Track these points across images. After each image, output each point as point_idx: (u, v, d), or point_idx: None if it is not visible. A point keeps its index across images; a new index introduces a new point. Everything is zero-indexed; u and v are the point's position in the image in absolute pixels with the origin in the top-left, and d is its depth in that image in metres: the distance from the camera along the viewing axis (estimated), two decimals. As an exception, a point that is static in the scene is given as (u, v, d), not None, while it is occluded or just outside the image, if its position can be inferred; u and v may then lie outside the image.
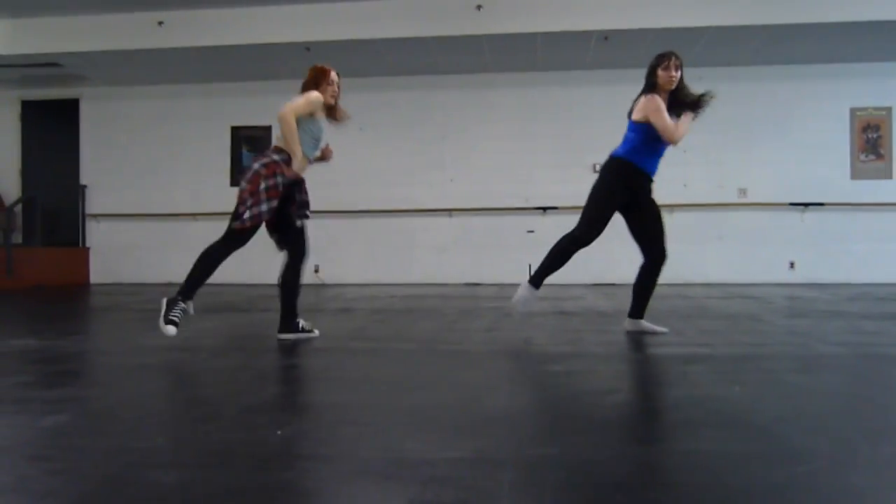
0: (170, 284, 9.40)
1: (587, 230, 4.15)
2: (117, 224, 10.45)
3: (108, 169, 10.51)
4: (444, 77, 9.81)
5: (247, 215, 3.79)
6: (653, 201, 4.22)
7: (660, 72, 4.05)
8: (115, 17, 8.58)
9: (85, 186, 10.56)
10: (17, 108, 10.83)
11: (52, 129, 10.79)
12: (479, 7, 8.16)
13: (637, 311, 4.34)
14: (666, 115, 4.00)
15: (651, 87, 4.08)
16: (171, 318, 3.81)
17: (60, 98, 10.60)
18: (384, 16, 8.37)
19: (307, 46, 8.68)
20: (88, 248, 10.60)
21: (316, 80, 4.10)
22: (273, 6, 8.43)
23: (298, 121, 3.92)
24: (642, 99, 4.07)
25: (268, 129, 9.94)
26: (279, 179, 3.85)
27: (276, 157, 3.90)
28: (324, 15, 8.45)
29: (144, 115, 10.47)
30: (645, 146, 4.09)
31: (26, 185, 10.63)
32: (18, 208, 10.22)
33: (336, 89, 4.16)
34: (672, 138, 4.00)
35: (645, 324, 4.32)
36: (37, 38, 8.80)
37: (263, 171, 3.84)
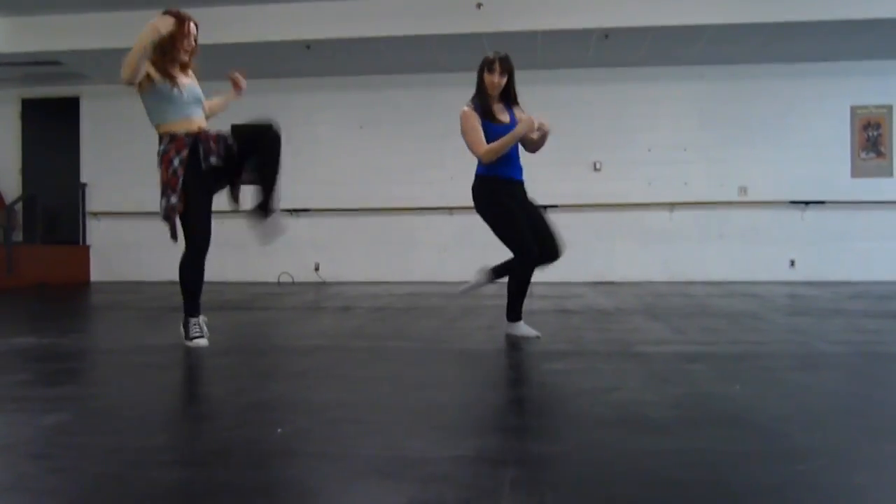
0: (170, 282, 9.41)
1: (522, 251, 3.93)
2: (118, 222, 10.46)
3: (108, 167, 10.51)
4: (445, 75, 9.79)
5: (161, 211, 3.78)
6: (531, 202, 4.09)
7: (486, 76, 3.97)
8: (116, 15, 8.56)
9: (85, 184, 10.56)
10: (18, 107, 10.83)
11: (52, 128, 10.79)
12: (479, 5, 8.15)
13: (515, 313, 4.10)
14: (476, 131, 3.91)
15: (477, 93, 4.01)
16: (193, 336, 3.80)
17: (61, 96, 10.61)
18: (384, 14, 8.36)
19: (307, 44, 8.67)
20: (89, 246, 10.61)
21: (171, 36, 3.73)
22: (273, 4, 8.42)
23: (153, 89, 3.72)
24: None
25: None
26: (175, 164, 3.72)
27: (160, 148, 3.79)
28: (324, 13, 8.44)
29: (144, 114, 10.44)
30: None
31: (27, 183, 10.64)
32: (19, 206, 10.22)
33: (193, 42, 3.88)
34: (476, 153, 3.93)
35: (523, 327, 4.10)
36: (37, 37, 8.79)
37: (160, 168, 3.78)
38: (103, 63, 9.42)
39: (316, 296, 7.59)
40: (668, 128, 9.70)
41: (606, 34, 8.40)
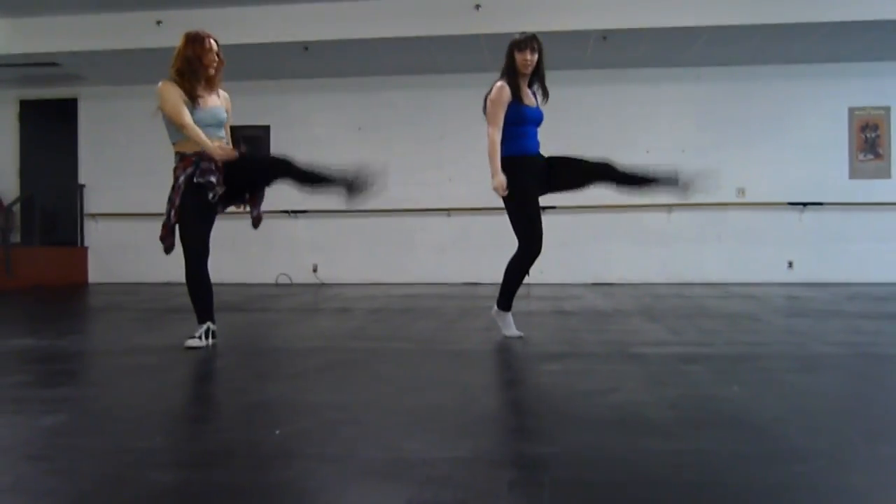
0: (168, 284, 9.42)
1: (529, 241, 4.02)
2: (116, 223, 10.44)
3: (106, 168, 10.50)
4: (443, 76, 9.80)
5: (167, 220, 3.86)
6: (553, 158, 4.13)
7: (517, 55, 3.99)
8: (114, 16, 8.56)
9: (83, 186, 10.54)
10: (16, 108, 10.80)
11: (50, 129, 10.77)
12: (477, 6, 8.15)
13: (507, 301, 4.17)
14: (500, 108, 3.97)
15: (505, 74, 4.04)
16: (190, 336, 3.84)
17: (59, 97, 10.58)
18: (382, 15, 8.35)
19: (305, 46, 8.67)
20: (87, 248, 10.59)
21: (188, 52, 3.80)
22: (271, 6, 8.41)
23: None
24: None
25: (266, 128, 9.93)
26: (179, 181, 3.79)
27: (174, 165, 3.87)
28: (322, 14, 8.44)
29: (143, 115, 10.30)
30: (510, 133, 4.02)
31: (25, 184, 10.61)
32: (17, 208, 10.20)
33: (215, 57, 3.85)
34: (488, 128, 4.00)
35: (511, 324, 4.16)
36: (35, 38, 8.77)
37: (174, 184, 3.84)
38: (101, 64, 9.42)
39: (314, 297, 7.59)
40: (667, 129, 9.71)
41: (604, 35, 8.40)
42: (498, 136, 4.00)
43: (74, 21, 8.66)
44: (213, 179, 3.73)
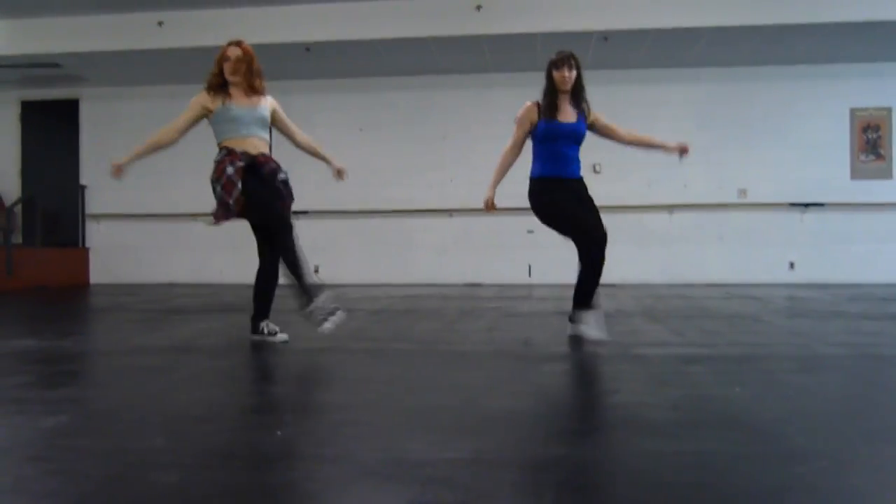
0: (170, 285, 9.42)
1: (582, 231, 4.03)
2: (117, 224, 10.44)
3: (107, 169, 10.40)
4: (444, 77, 9.80)
5: (216, 212, 3.95)
6: (584, 197, 4.12)
7: (555, 73, 4.06)
8: (115, 17, 8.57)
9: (84, 187, 10.55)
10: (17, 109, 10.82)
11: (51, 130, 10.79)
12: (478, 7, 8.16)
13: (584, 302, 4.21)
14: (519, 127, 4.13)
15: (544, 93, 4.12)
16: (265, 331, 4.04)
17: (60, 98, 10.60)
18: (384, 16, 8.36)
19: (307, 46, 8.67)
20: (88, 249, 10.60)
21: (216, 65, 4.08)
22: (272, 6, 8.42)
23: (214, 115, 4.01)
24: None
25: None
26: (229, 172, 3.89)
27: (216, 158, 4.02)
28: (323, 15, 8.45)
29: (144, 116, 10.43)
30: (542, 151, 4.09)
31: (26, 185, 10.63)
32: (18, 209, 10.22)
33: (233, 63, 4.01)
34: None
35: (590, 323, 4.18)
36: (36, 39, 8.79)
37: (214, 176, 3.96)
38: (103, 65, 9.43)
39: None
40: (668, 130, 9.64)
41: (606, 36, 8.40)
42: (510, 154, 4.15)
43: (76, 22, 8.68)
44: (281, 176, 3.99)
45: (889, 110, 9.49)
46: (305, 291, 3.96)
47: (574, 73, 4.06)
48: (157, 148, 4.14)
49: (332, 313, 3.96)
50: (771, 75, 9.52)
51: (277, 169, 4.04)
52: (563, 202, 4.03)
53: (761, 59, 9.25)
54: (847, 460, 1.89)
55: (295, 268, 3.96)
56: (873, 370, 3.31)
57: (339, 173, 4.40)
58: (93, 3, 8.36)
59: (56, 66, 9.38)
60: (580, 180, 4.14)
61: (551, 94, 4.08)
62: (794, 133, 9.54)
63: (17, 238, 10.20)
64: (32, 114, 10.82)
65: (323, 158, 4.39)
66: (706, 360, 3.43)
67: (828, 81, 9.47)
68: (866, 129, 9.51)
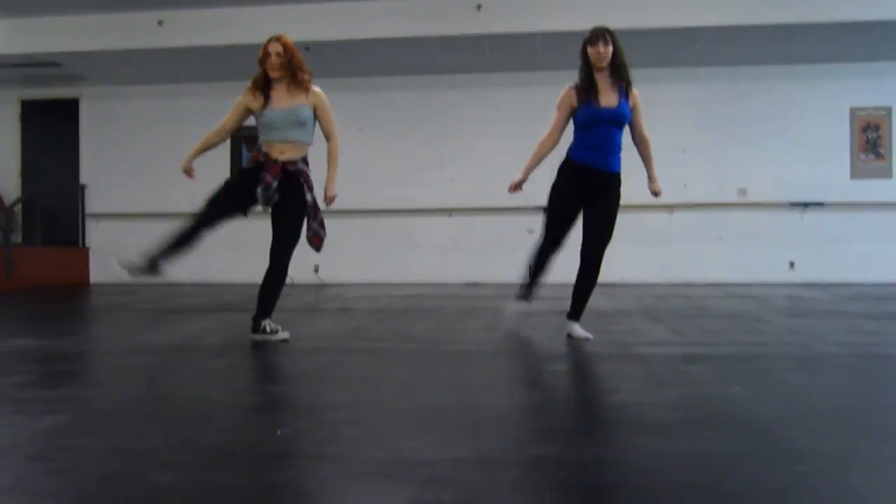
0: (170, 284, 9.42)
1: (544, 235, 4.03)
2: (117, 224, 10.44)
3: (107, 169, 10.50)
4: (444, 77, 9.80)
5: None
6: (604, 202, 3.93)
7: (589, 50, 3.88)
8: (115, 16, 8.56)
9: (84, 186, 10.55)
10: (17, 108, 10.82)
11: (51, 129, 10.78)
12: (478, 7, 8.15)
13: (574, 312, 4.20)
14: (557, 111, 3.95)
15: (580, 72, 3.94)
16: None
17: (60, 98, 10.59)
18: (384, 15, 8.36)
19: (307, 46, 8.65)
20: (88, 248, 10.60)
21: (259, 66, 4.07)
22: (273, 6, 8.42)
23: (256, 115, 4.05)
24: None
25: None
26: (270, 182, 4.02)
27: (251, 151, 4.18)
28: (323, 14, 8.44)
29: (144, 115, 10.46)
30: (579, 137, 3.93)
31: (26, 184, 10.62)
32: (18, 208, 10.21)
33: (274, 60, 3.98)
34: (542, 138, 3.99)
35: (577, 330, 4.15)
36: (36, 38, 8.78)
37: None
38: (103, 65, 9.42)
39: (315, 297, 7.59)
40: (667, 129, 9.68)
41: (606, 36, 8.40)
42: (548, 140, 4.00)
43: (76, 21, 8.67)
44: (268, 192, 4.01)
45: (889, 110, 9.49)
46: (265, 314, 4.13)
47: (610, 48, 3.81)
48: (208, 148, 4.22)
49: (274, 332, 4.08)
50: (771, 75, 9.51)
51: (302, 189, 4.07)
52: (568, 202, 3.96)
53: (761, 59, 9.24)
54: (847, 459, 1.89)
55: (270, 286, 4.19)
56: (873, 369, 3.31)
57: (326, 198, 4.32)
58: (93, 3, 8.35)
59: (56, 65, 9.37)
60: (614, 176, 3.92)
61: (588, 72, 3.84)
62: (794, 132, 9.54)
63: (17, 237, 10.20)
64: (32, 113, 10.82)
65: (328, 173, 4.35)
66: (706, 359, 3.43)
67: (828, 81, 9.46)
68: (866, 128, 9.51)
